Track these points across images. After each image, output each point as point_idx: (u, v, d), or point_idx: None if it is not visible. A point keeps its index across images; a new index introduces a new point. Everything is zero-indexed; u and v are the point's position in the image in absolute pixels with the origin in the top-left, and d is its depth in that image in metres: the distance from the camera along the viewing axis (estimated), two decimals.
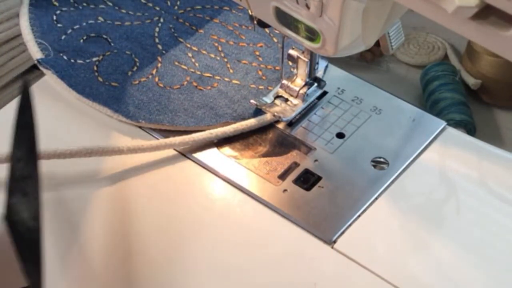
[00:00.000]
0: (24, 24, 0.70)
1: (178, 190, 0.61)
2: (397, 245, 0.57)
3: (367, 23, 0.53)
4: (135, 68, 0.68)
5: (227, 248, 0.58)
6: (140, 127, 0.65)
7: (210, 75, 0.68)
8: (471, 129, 0.82)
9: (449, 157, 0.63)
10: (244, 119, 0.64)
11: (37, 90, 0.68)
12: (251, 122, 0.64)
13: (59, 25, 0.71)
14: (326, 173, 0.61)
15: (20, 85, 0.50)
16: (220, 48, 0.70)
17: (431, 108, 0.85)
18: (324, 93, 0.67)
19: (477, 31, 0.42)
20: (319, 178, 0.61)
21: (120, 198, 0.61)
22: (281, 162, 0.62)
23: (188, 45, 0.70)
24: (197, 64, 0.68)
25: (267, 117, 0.64)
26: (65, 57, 0.68)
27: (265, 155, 0.63)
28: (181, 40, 0.70)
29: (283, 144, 0.63)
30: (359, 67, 0.90)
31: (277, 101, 0.65)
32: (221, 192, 0.61)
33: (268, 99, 0.65)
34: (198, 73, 0.68)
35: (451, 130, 0.65)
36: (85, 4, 0.73)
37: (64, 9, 0.72)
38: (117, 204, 0.61)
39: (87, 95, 0.66)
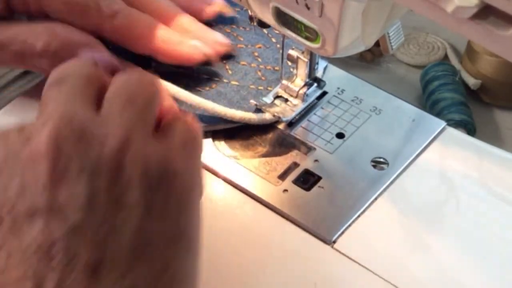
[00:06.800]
0: None
1: None
2: (397, 245, 0.57)
3: (367, 23, 0.53)
4: None
5: (227, 248, 0.58)
6: None
7: (209, 76, 0.67)
8: (471, 129, 0.82)
9: (449, 157, 0.63)
10: None
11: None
12: (251, 116, 0.63)
13: None
14: (326, 173, 0.61)
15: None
16: None
17: (431, 108, 0.85)
18: (324, 93, 0.67)
19: (477, 31, 0.42)
20: (319, 178, 0.61)
21: None
22: (281, 162, 0.62)
23: None
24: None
25: (267, 117, 0.64)
26: None
27: (265, 155, 0.63)
28: None
29: (283, 144, 0.63)
30: (359, 67, 0.90)
31: (277, 101, 0.65)
32: (221, 192, 0.61)
33: (267, 99, 0.65)
34: (196, 74, 0.68)
35: (451, 130, 0.65)
36: None
37: None
38: None
39: None
